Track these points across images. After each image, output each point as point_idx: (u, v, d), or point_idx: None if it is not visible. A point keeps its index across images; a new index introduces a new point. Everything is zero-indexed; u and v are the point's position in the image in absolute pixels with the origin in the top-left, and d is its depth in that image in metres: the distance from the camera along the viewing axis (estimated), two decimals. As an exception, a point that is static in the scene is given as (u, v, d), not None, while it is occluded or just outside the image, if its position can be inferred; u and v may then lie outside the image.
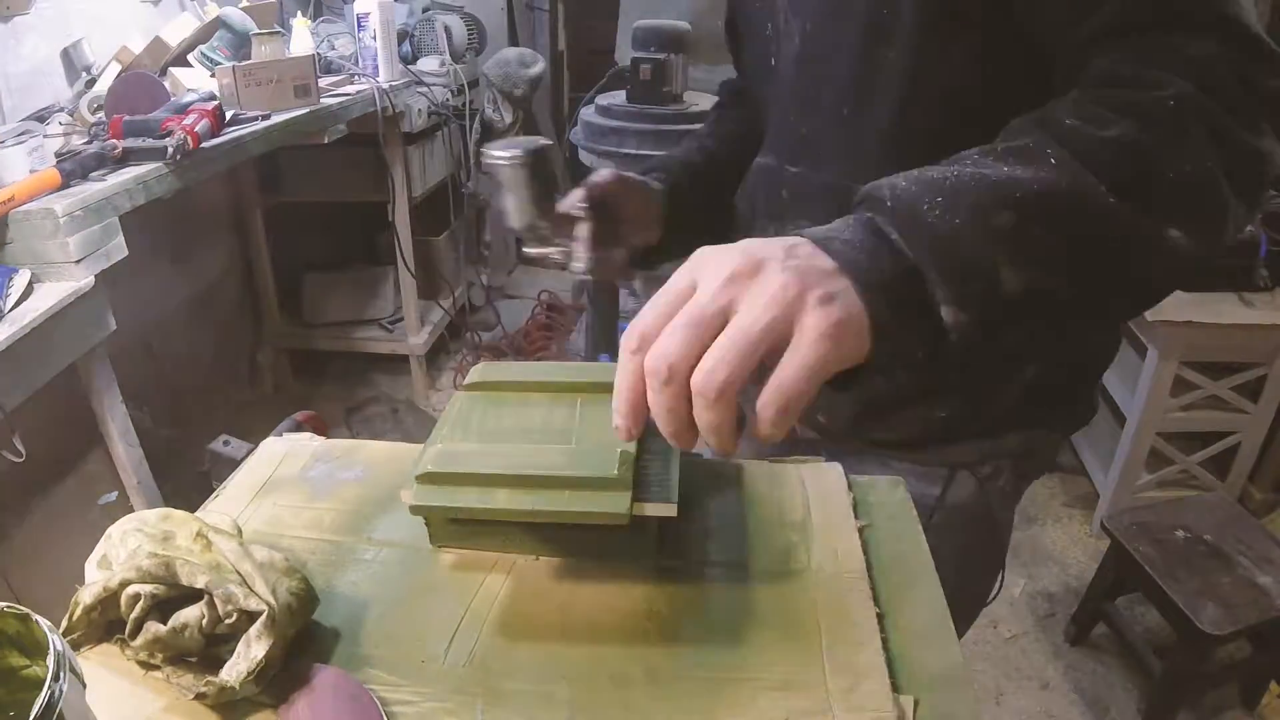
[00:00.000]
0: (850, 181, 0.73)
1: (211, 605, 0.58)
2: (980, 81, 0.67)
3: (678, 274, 0.46)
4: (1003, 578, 1.02)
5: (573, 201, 0.79)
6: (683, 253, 0.79)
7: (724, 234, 0.94)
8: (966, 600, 1.00)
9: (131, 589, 0.58)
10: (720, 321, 0.42)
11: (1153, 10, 0.53)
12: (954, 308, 0.46)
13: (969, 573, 0.96)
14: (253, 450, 0.88)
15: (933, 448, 0.85)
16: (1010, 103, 0.60)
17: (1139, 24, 0.53)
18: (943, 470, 0.87)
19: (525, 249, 0.82)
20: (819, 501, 0.76)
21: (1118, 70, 0.53)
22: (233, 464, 1.24)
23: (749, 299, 0.42)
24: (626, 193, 0.83)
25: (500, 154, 0.77)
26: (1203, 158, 0.48)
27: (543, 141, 0.80)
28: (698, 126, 1.05)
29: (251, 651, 0.56)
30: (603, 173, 0.82)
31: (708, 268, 0.44)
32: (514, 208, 0.79)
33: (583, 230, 0.79)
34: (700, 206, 0.91)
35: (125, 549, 0.61)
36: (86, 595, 0.59)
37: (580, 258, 0.78)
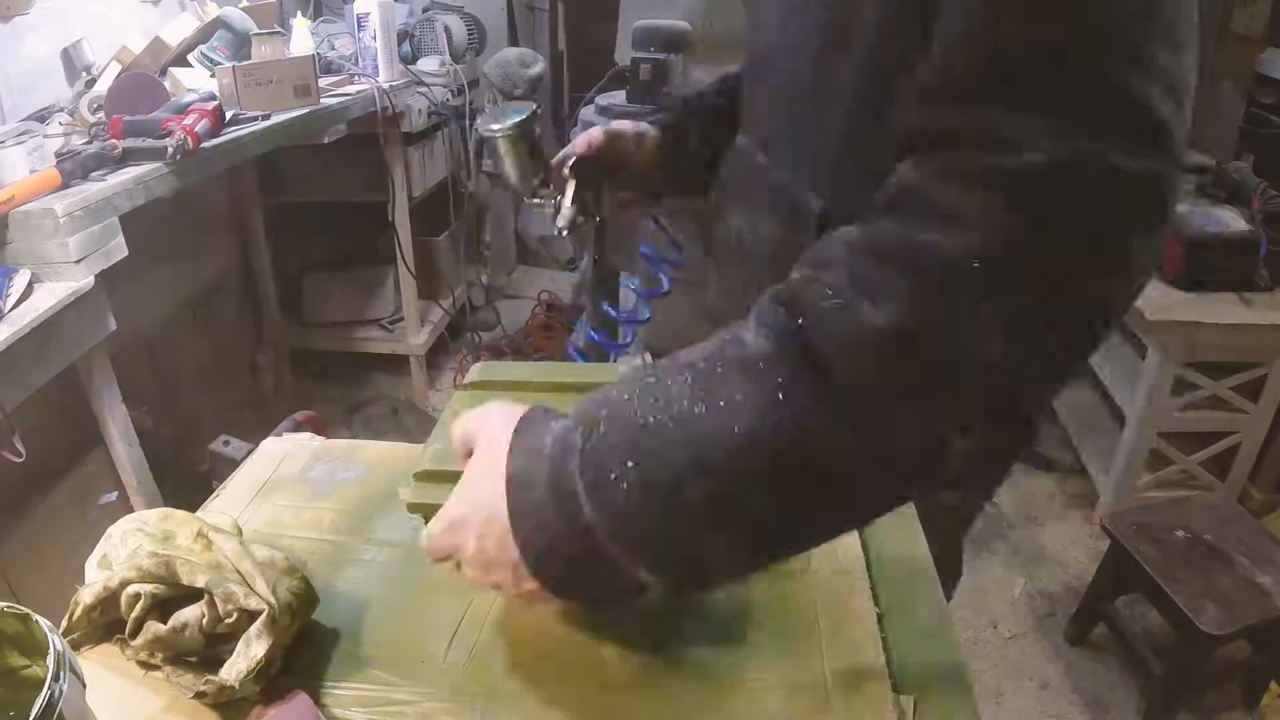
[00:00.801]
0: (800, 190, 0.73)
1: (212, 604, 0.58)
2: None
3: (459, 435, 0.53)
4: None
5: (561, 161, 0.93)
6: (682, 188, 1.03)
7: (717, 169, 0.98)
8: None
9: (132, 589, 0.58)
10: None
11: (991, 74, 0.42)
12: (648, 573, 0.44)
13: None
14: (253, 450, 0.88)
15: None
16: None
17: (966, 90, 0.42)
18: None
19: (526, 199, 0.98)
20: (819, 501, 0.76)
21: (918, 194, 0.43)
22: (233, 464, 1.23)
23: (465, 556, 0.50)
24: (616, 144, 0.95)
25: (493, 126, 0.94)
26: (982, 350, 0.39)
27: (527, 108, 0.95)
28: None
29: (251, 650, 0.56)
30: (591, 133, 0.94)
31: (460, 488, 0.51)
32: (510, 170, 0.96)
33: (568, 188, 0.92)
34: (704, 140, 0.97)
35: (126, 548, 0.61)
36: (87, 595, 0.59)
37: (563, 214, 0.92)
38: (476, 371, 0.79)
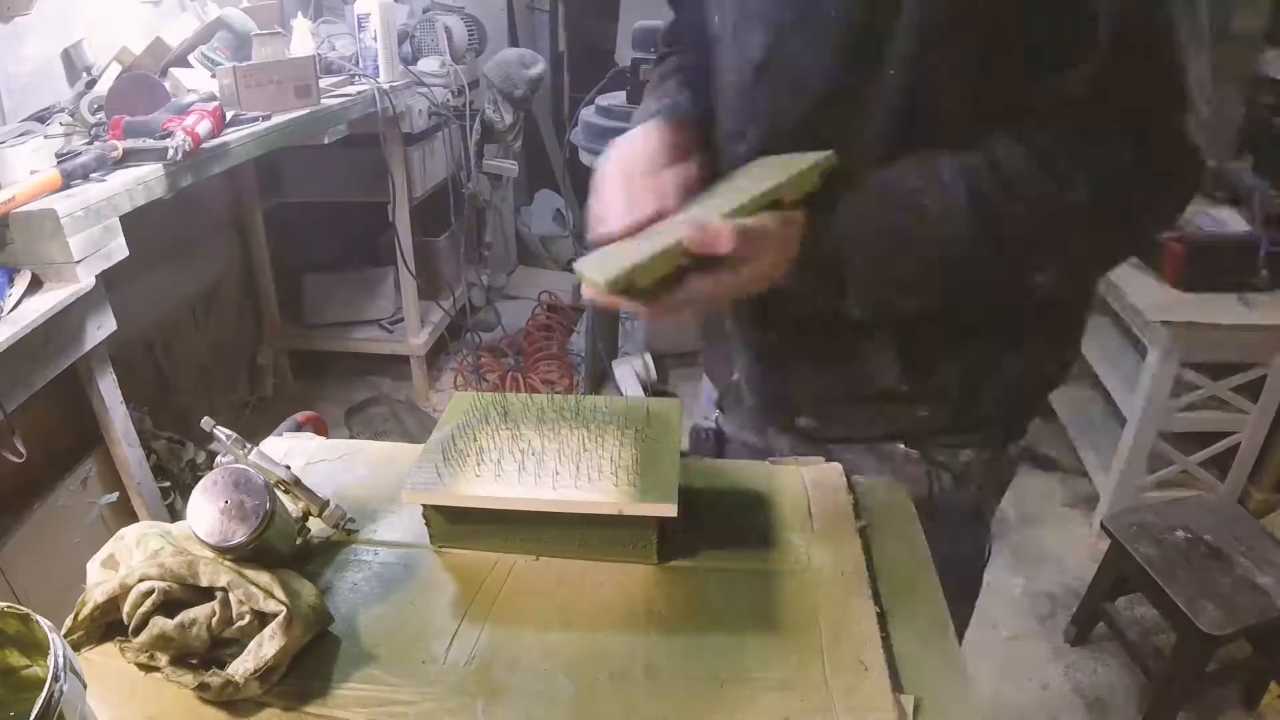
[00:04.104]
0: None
1: (225, 605, 0.58)
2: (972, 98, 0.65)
3: None
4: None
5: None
6: None
7: None
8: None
9: (145, 585, 0.58)
10: None
11: (1110, 105, 0.61)
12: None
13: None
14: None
15: (911, 442, 0.85)
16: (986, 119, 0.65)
17: (1093, 111, 0.62)
18: (924, 470, 0.86)
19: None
20: (819, 501, 0.77)
21: (1048, 156, 0.62)
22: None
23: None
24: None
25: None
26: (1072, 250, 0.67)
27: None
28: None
29: (263, 650, 0.56)
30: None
31: None
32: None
33: None
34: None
35: (143, 550, 0.61)
36: (99, 593, 0.59)
37: None
38: None
